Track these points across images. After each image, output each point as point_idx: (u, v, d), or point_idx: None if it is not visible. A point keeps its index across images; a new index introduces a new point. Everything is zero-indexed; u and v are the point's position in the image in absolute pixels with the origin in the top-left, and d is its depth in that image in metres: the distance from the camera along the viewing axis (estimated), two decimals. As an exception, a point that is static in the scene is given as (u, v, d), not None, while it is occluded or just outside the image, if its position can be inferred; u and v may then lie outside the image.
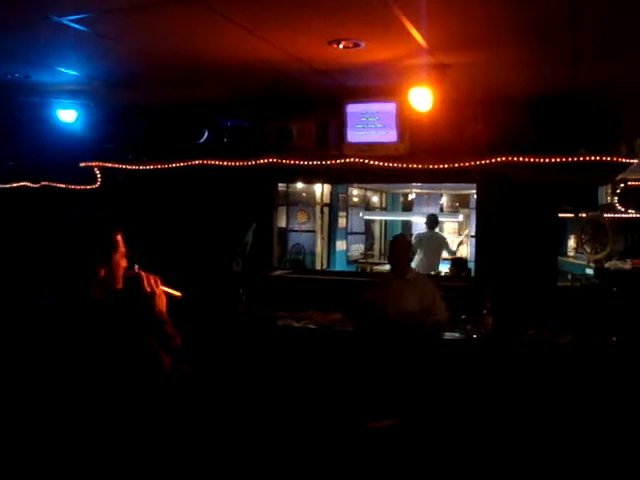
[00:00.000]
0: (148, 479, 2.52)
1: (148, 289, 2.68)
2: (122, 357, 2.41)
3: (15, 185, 8.27)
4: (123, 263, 2.63)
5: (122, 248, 2.62)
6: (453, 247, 11.64)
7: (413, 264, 9.72)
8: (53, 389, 2.42)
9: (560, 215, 7.41)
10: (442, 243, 10.66)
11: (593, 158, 5.91)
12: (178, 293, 2.84)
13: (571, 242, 9.88)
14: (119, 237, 2.62)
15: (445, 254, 10.65)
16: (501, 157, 6.10)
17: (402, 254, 6.16)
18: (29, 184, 8.22)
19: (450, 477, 4.85)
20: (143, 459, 2.50)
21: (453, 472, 4.86)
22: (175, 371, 2.52)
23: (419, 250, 10.33)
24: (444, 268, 11.08)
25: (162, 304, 2.71)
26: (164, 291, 2.76)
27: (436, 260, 10.43)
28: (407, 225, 14.09)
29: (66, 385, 2.40)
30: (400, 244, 6.27)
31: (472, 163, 6.20)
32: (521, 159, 6.01)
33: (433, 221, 10.72)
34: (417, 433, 5.03)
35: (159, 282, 2.75)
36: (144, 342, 2.46)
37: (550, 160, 5.96)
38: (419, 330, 5.70)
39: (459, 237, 13.35)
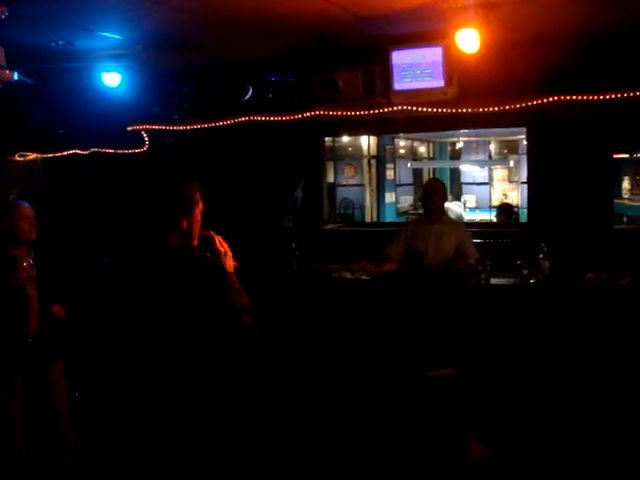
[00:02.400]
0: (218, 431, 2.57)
1: (221, 249, 2.71)
2: (207, 309, 2.45)
3: (66, 153, 8.38)
4: (200, 219, 2.68)
5: (201, 204, 2.68)
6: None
7: None
8: (138, 333, 2.48)
9: (614, 156, 7.23)
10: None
11: (649, 93, 5.72)
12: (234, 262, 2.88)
13: (625, 184, 9.65)
14: (198, 192, 2.67)
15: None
16: (553, 97, 5.93)
17: (439, 198, 6.08)
18: (79, 151, 8.32)
19: (510, 422, 4.85)
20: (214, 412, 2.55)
21: (512, 417, 4.86)
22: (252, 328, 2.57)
23: None
24: (491, 215, 11.02)
25: (230, 264, 2.73)
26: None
27: None
28: (456, 174, 13.93)
29: (150, 330, 2.46)
30: (437, 187, 6.22)
31: (523, 104, 6.05)
32: (574, 97, 5.85)
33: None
34: (476, 380, 5.03)
35: (226, 243, 2.79)
36: (226, 297, 2.51)
37: (604, 97, 5.79)
38: (459, 275, 5.69)
39: (509, 184, 13.18)
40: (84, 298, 2.68)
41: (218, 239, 2.72)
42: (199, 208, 2.66)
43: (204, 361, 2.48)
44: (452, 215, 10.14)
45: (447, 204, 10.74)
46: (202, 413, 2.50)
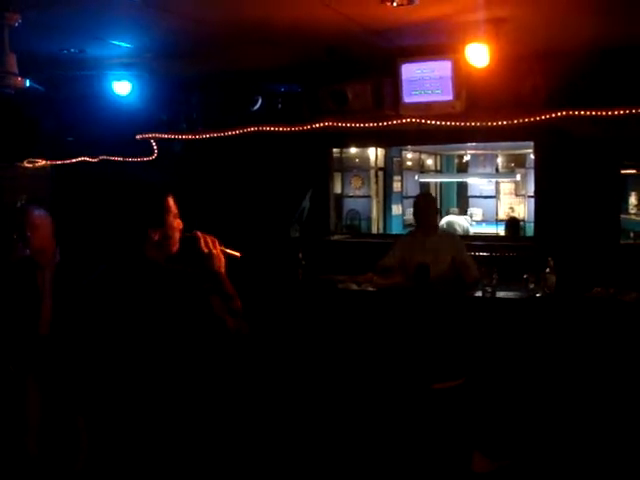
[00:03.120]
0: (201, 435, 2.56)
1: (205, 249, 2.68)
2: (184, 318, 2.44)
3: (75, 160, 8.41)
4: (178, 225, 2.65)
5: (174, 210, 2.64)
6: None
7: None
8: (118, 350, 2.47)
9: (622, 171, 7.23)
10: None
11: (657, 109, 5.72)
12: (237, 253, 2.84)
13: (632, 199, 9.66)
14: (170, 200, 2.63)
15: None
16: (562, 111, 5.95)
17: (431, 211, 6.10)
18: (88, 159, 8.35)
19: (514, 436, 4.84)
20: (197, 418, 2.53)
21: (517, 431, 4.85)
22: (236, 332, 2.54)
23: None
24: (498, 229, 11.04)
25: (220, 264, 2.70)
26: (223, 252, 2.76)
27: None
28: (463, 187, 13.95)
29: (130, 346, 2.45)
30: (428, 201, 6.24)
31: (531, 119, 6.06)
32: (582, 112, 5.86)
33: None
34: (482, 393, 5.02)
35: (217, 243, 2.76)
36: (206, 303, 2.48)
37: (613, 113, 5.79)
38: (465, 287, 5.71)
39: (516, 198, 13.21)
40: (76, 306, 2.67)
41: (204, 239, 2.69)
42: (172, 215, 2.62)
43: (183, 367, 2.46)
44: (458, 229, 10.15)
45: (454, 218, 10.84)
46: (188, 418, 2.48)
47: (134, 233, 2.57)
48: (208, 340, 2.48)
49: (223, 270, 2.71)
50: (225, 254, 2.77)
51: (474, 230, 11.61)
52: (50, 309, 4.16)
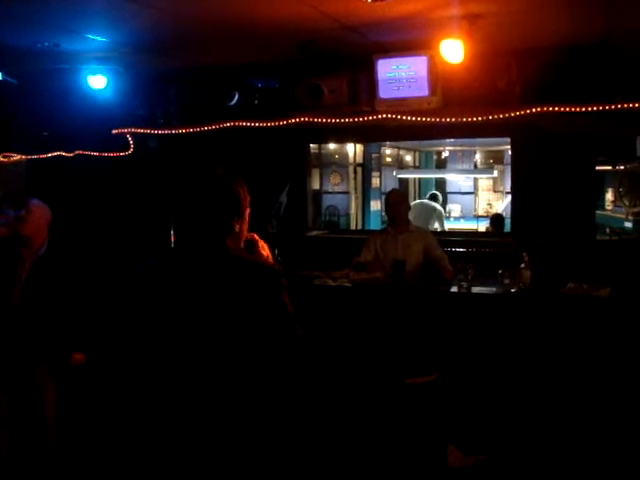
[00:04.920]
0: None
1: (263, 252, 2.68)
2: (264, 314, 2.41)
3: (50, 155, 8.34)
4: (248, 219, 2.65)
5: (248, 208, 2.64)
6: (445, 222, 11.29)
7: None
8: (182, 334, 2.43)
9: (597, 167, 7.28)
10: (431, 213, 10.45)
11: (630, 105, 5.76)
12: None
13: (608, 195, 9.71)
14: (247, 191, 2.63)
15: (436, 224, 10.40)
16: (536, 107, 5.97)
17: (401, 207, 6.09)
18: (64, 153, 8.28)
19: (489, 431, 4.87)
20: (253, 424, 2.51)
21: (492, 426, 4.88)
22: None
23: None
24: (478, 225, 11.06)
25: None
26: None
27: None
28: (441, 183, 13.98)
29: (197, 330, 2.42)
30: (397, 197, 6.22)
31: (506, 115, 6.09)
32: (556, 109, 5.89)
33: (432, 195, 11.07)
34: (456, 388, 5.04)
35: (267, 247, 2.75)
36: (283, 302, 2.45)
37: (586, 109, 5.83)
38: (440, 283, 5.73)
39: (494, 194, 13.26)
40: (126, 296, 2.62)
41: (261, 243, 2.69)
42: (248, 210, 2.63)
43: (250, 368, 2.42)
44: (426, 212, 10.09)
45: (426, 200, 10.82)
46: (240, 426, 2.44)
47: (221, 225, 2.52)
48: (281, 340, 2.47)
49: None
50: None
51: (452, 225, 11.64)
52: (21, 290, 4.31)
